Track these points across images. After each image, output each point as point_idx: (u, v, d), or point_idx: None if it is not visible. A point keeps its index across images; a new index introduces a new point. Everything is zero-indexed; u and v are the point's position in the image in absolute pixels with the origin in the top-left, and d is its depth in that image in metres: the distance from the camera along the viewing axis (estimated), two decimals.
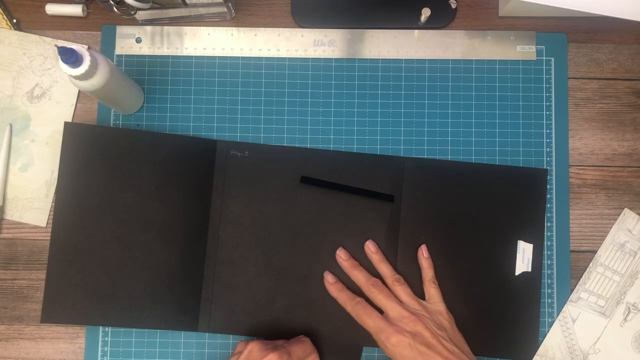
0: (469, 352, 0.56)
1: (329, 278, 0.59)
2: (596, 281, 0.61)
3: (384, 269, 0.59)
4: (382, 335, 0.54)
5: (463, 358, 0.53)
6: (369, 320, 0.56)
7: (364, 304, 0.57)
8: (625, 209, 0.62)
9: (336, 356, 0.59)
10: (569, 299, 0.61)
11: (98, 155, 0.60)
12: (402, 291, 0.57)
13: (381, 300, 0.56)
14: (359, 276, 0.58)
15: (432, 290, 0.58)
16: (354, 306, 0.57)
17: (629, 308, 0.61)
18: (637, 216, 0.62)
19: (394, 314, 0.55)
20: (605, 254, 0.62)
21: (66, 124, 0.60)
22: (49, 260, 0.59)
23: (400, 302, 0.56)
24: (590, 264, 0.62)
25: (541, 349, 0.60)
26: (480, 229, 0.61)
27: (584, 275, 0.62)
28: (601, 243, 0.62)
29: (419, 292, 0.59)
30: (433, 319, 0.55)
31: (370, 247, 0.59)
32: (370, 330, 0.55)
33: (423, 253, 0.59)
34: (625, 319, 0.61)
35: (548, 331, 0.61)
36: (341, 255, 0.60)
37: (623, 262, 0.62)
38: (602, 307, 0.61)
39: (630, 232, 0.62)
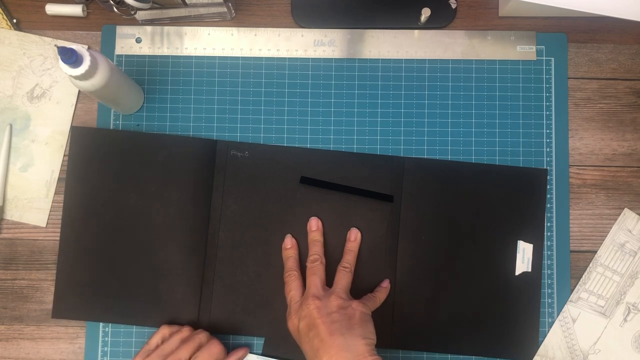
0: (363, 335, 0.51)
1: (287, 242, 0.60)
2: (596, 281, 0.61)
3: (314, 248, 0.59)
4: (287, 319, 0.56)
5: (345, 340, 0.50)
6: (287, 296, 0.57)
7: (293, 277, 0.57)
8: (625, 209, 0.62)
9: None
10: (569, 299, 0.61)
11: (103, 157, 0.61)
12: (319, 276, 0.57)
13: (307, 277, 0.57)
14: (312, 249, 0.59)
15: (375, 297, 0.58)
16: (285, 277, 0.58)
17: (629, 308, 0.61)
18: (637, 216, 0.62)
19: (306, 294, 0.56)
20: (605, 254, 0.62)
21: (73, 128, 0.61)
22: (59, 260, 0.60)
23: (319, 285, 0.56)
24: (590, 264, 0.62)
25: (541, 349, 0.60)
26: (480, 229, 0.61)
27: (584, 275, 0.61)
28: (601, 243, 0.62)
29: (419, 294, 0.59)
30: (333, 303, 0.53)
31: (311, 225, 0.60)
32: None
33: (383, 283, 0.60)
34: (625, 319, 0.61)
35: (548, 331, 0.61)
36: (311, 226, 0.60)
37: (623, 262, 0.62)
38: (602, 307, 0.61)
39: (630, 232, 0.62)
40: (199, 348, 0.55)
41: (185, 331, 0.57)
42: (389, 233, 0.60)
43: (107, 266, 0.60)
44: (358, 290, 0.58)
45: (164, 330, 0.57)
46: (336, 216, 0.61)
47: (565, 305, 0.61)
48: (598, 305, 0.61)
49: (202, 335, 0.56)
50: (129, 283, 0.60)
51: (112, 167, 0.61)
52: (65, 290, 0.60)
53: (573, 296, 0.61)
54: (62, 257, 0.60)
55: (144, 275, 0.60)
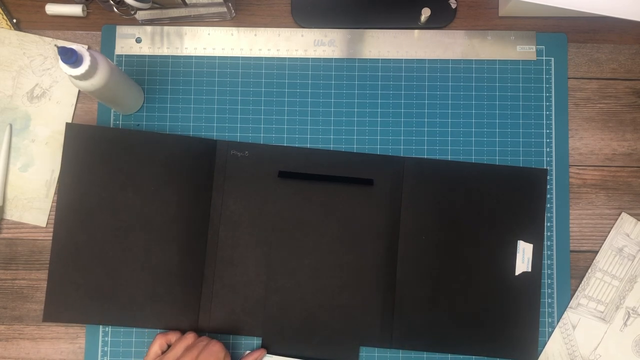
0: None
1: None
2: (595, 287, 0.61)
3: None
4: None
5: None
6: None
7: None
8: (623, 212, 0.62)
9: (334, 355, 0.60)
10: (569, 306, 0.61)
11: (99, 155, 0.60)
12: None
13: None
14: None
15: None
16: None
17: (629, 312, 0.61)
18: (634, 220, 0.62)
19: None
20: (604, 259, 0.62)
21: (68, 124, 0.60)
22: (51, 260, 0.59)
23: None
24: (589, 270, 0.62)
25: (542, 357, 0.60)
26: (480, 229, 0.61)
27: (583, 281, 0.61)
28: (601, 243, 0.62)
29: (419, 294, 0.59)
30: None
31: None
32: None
33: None
34: (625, 324, 0.61)
35: (548, 339, 0.61)
36: None
37: (622, 266, 0.61)
38: (602, 312, 0.61)
39: (628, 236, 0.62)
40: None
41: (190, 337, 0.57)
42: (389, 233, 0.60)
43: (104, 267, 0.59)
44: (358, 290, 0.58)
45: (160, 340, 0.57)
46: (337, 216, 0.60)
47: (565, 312, 0.61)
48: (598, 310, 0.61)
49: (205, 342, 0.56)
50: (127, 284, 0.59)
51: (109, 166, 0.60)
52: (58, 292, 0.59)
53: (573, 302, 0.61)
54: (54, 258, 0.59)
55: (143, 276, 0.59)
